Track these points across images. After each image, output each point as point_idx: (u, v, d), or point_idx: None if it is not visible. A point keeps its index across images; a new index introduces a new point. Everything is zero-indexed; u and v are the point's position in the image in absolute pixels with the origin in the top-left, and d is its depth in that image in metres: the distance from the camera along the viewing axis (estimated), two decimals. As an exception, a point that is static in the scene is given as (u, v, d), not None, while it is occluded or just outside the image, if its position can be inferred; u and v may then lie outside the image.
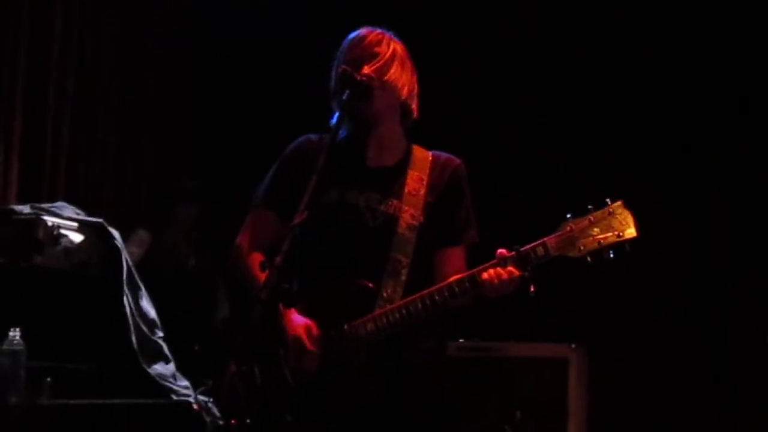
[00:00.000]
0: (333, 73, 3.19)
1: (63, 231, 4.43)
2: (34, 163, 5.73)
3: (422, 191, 3.17)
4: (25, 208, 4.53)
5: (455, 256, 3.19)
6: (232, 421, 2.98)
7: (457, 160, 3.27)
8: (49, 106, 5.84)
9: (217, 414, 4.34)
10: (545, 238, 2.94)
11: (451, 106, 6.13)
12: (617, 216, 2.91)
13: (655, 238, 5.47)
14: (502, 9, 6.33)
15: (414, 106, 3.23)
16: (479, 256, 3.07)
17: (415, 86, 3.22)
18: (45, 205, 4.62)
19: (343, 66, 3.07)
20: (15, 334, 3.93)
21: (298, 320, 3.04)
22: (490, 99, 6.33)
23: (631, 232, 2.89)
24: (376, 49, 3.13)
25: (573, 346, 5.33)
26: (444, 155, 3.27)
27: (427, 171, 3.20)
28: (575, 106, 6.18)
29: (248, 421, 2.95)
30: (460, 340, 5.47)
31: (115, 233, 4.66)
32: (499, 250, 2.96)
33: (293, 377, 3.02)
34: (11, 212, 4.51)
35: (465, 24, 6.39)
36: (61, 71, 5.95)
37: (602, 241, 2.90)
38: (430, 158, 3.24)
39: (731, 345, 5.68)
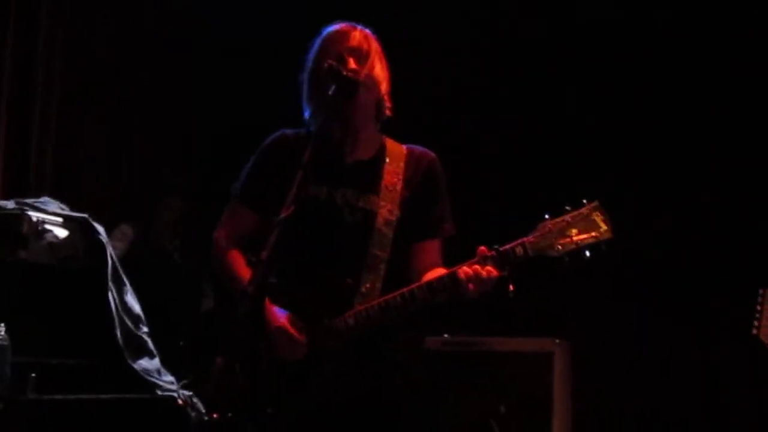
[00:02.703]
0: (309, 65, 3.22)
1: (48, 226, 4.43)
2: (20, 158, 5.72)
3: (399, 185, 3.20)
4: (10, 203, 4.53)
5: (431, 248, 3.25)
6: (214, 416, 3.00)
7: (432, 154, 3.31)
8: (35, 101, 5.82)
9: (201, 409, 4.34)
10: (524, 239, 2.98)
11: (431, 104, 6.14)
12: (594, 216, 2.96)
13: (639, 232, 5.57)
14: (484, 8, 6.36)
15: (388, 102, 3.25)
16: (458, 255, 3.10)
17: (389, 83, 3.25)
18: (29, 200, 4.62)
19: (329, 61, 3.08)
20: (0, 329, 3.93)
21: (280, 312, 3.08)
22: (470, 97, 6.34)
23: (606, 232, 2.95)
24: (360, 44, 3.16)
25: (557, 340, 5.35)
26: (419, 149, 3.32)
27: (403, 165, 3.24)
28: (553, 104, 6.19)
29: (230, 415, 2.97)
30: (445, 335, 5.49)
31: (100, 228, 4.66)
32: (480, 248, 2.99)
33: (279, 369, 3.04)
34: (-5, 207, 4.50)
35: (448, 21, 6.41)
36: (47, 66, 5.94)
37: (579, 241, 2.95)
38: (405, 152, 3.28)
39: (716, 339, 5.70)
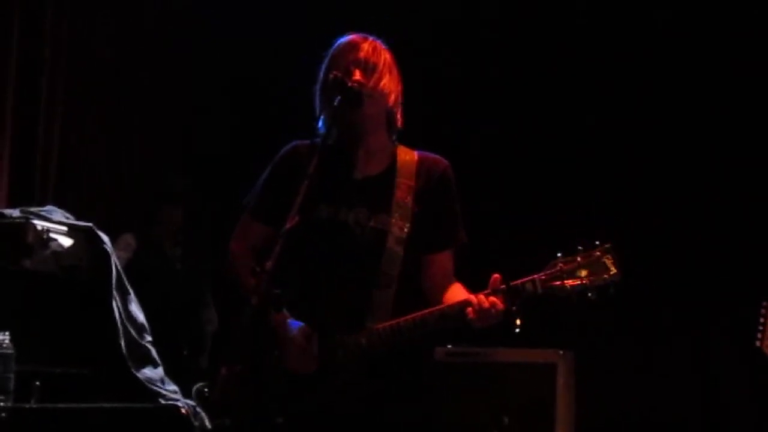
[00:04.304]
0: (320, 77, 3.23)
1: (52, 235, 4.43)
2: (24, 167, 5.73)
3: (409, 199, 3.19)
4: (15, 212, 4.52)
5: (444, 259, 3.24)
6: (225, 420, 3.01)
7: (444, 162, 3.29)
8: (39, 109, 5.84)
9: (206, 418, 4.34)
10: (535, 275, 3.00)
11: (446, 124, 6.16)
12: (605, 259, 2.98)
13: (642, 241, 5.58)
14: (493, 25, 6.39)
15: (399, 114, 3.26)
16: (472, 268, 3.10)
17: (401, 94, 3.25)
18: (34, 209, 4.62)
19: (335, 72, 3.09)
20: (4, 337, 3.93)
21: (294, 323, 3.09)
22: (482, 111, 6.36)
23: (616, 275, 2.96)
24: (367, 57, 3.16)
25: (560, 351, 5.35)
26: (430, 157, 3.30)
27: (414, 176, 3.23)
28: (566, 120, 6.21)
29: (240, 423, 2.98)
30: (449, 346, 5.49)
31: (105, 237, 4.66)
32: (494, 276, 3.00)
33: (290, 378, 3.05)
34: (0, 216, 4.50)
35: (458, 38, 6.43)
36: (52, 73, 5.95)
37: (588, 283, 2.96)
38: (416, 160, 3.26)
39: (717, 350, 5.70)
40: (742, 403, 5.58)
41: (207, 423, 4.30)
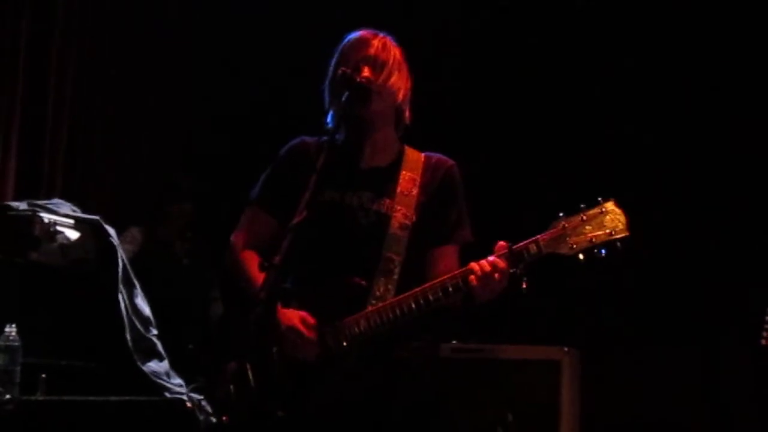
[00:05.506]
0: (330, 73, 3.23)
1: (59, 228, 4.44)
2: (32, 160, 5.74)
3: (415, 191, 3.20)
4: (22, 205, 4.54)
5: (447, 255, 3.23)
6: (224, 418, 3.01)
7: (450, 161, 3.31)
8: (47, 103, 5.85)
9: (210, 412, 4.35)
10: (538, 236, 2.95)
11: (445, 104, 6.16)
12: (609, 214, 2.92)
13: (647, 239, 5.57)
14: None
15: (407, 110, 3.26)
16: (474, 256, 3.09)
17: (409, 91, 3.26)
18: (42, 202, 4.63)
19: (343, 68, 3.10)
20: (11, 330, 3.94)
21: (292, 312, 3.08)
22: (484, 97, 6.36)
23: (622, 230, 2.90)
24: (377, 54, 3.17)
25: (566, 348, 5.35)
26: (436, 156, 3.31)
27: (420, 171, 3.24)
28: (568, 104, 6.21)
29: (241, 417, 2.98)
30: (454, 342, 5.49)
31: (111, 231, 4.67)
32: (499, 242, 2.97)
33: (290, 372, 3.04)
34: (8, 208, 4.51)
35: (459, 22, 6.44)
36: (60, 68, 5.97)
37: (594, 239, 2.90)
38: (423, 159, 3.28)
39: (722, 348, 5.70)
40: (749, 402, 5.57)
41: (211, 417, 4.31)
